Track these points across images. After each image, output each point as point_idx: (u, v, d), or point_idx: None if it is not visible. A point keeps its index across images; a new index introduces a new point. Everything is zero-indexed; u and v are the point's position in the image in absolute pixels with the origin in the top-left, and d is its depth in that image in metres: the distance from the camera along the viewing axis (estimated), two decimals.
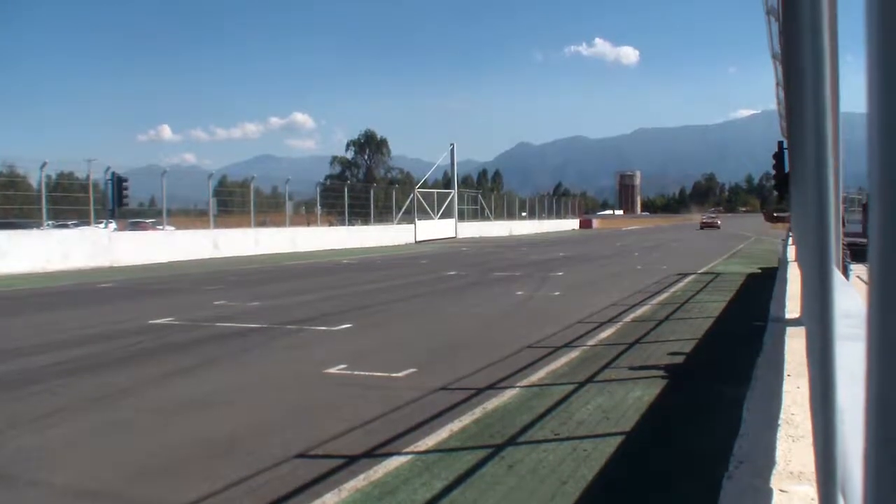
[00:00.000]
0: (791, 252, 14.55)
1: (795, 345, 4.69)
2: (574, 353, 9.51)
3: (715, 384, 7.69)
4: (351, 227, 45.08)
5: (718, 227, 74.51)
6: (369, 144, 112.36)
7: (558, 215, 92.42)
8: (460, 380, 8.03)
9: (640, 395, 7.16)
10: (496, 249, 39.99)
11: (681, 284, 18.87)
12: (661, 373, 8.23)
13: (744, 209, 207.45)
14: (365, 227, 46.86)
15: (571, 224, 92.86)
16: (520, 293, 17.18)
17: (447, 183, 70.57)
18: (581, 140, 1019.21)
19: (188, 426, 6.53)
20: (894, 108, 0.65)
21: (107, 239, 28.60)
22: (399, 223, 51.60)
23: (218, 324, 12.52)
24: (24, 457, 5.72)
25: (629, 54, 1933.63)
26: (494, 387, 7.66)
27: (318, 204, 44.61)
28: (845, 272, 9.97)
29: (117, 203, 29.24)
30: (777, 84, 14.37)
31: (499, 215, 74.19)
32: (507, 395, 7.27)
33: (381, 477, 5.00)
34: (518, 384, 7.78)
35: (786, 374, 4.07)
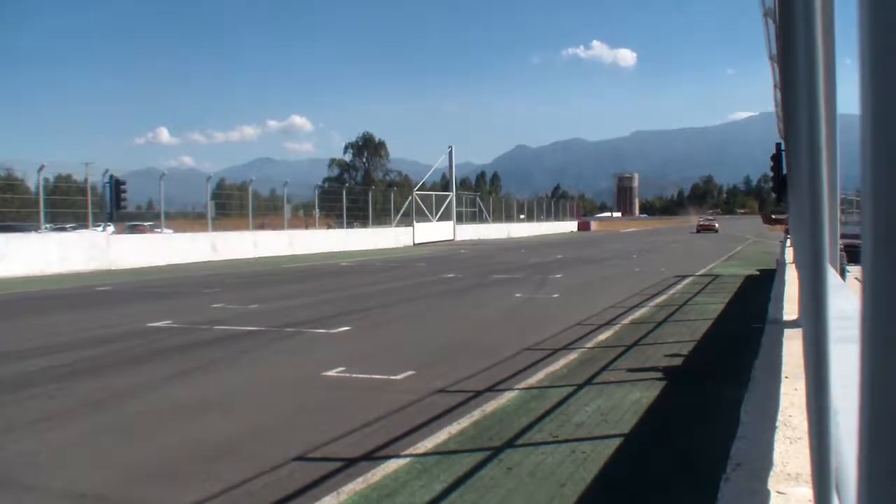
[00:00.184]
0: (789, 254, 14.57)
1: (793, 347, 4.70)
2: (573, 355, 9.51)
3: (713, 386, 7.69)
4: (349, 230, 45.05)
5: (716, 231, 70.29)
6: (367, 147, 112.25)
7: (556, 217, 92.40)
8: (459, 382, 8.03)
9: (638, 397, 7.16)
10: (494, 252, 39.99)
11: (679, 286, 18.88)
12: (660, 375, 8.23)
13: (742, 211, 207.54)
14: (363, 230, 46.83)
15: (570, 226, 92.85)
16: (518, 295, 17.18)
17: (445, 185, 70.55)
18: (579, 142, 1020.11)
19: (186, 429, 6.53)
20: (886, 109, 0.65)
21: (105, 242, 28.57)
22: (397, 226, 51.58)
23: (216, 327, 12.51)
24: (22, 461, 5.71)
25: (627, 57, 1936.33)
26: (493, 389, 7.66)
27: (317, 207, 44.57)
28: (843, 274, 9.97)
29: (115, 206, 29.18)
30: (775, 86, 14.38)
31: (497, 218, 74.18)
32: (506, 398, 7.27)
33: (380, 480, 4.99)
34: (517, 386, 7.78)
35: (783, 376, 4.08)
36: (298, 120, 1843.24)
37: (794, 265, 10.79)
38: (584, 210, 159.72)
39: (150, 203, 43.57)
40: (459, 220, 61.97)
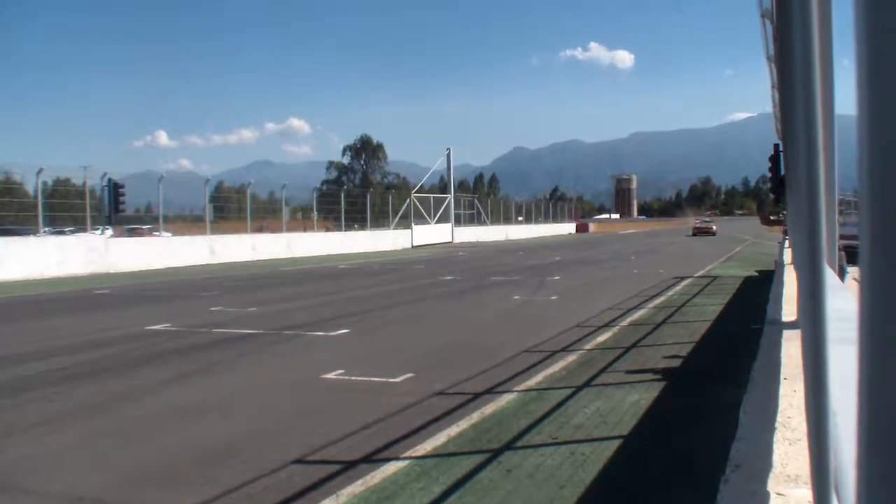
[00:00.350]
0: (788, 255, 14.58)
1: (792, 348, 4.70)
2: (571, 357, 9.51)
3: (712, 387, 7.69)
4: (347, 233, 45.06)
5: (714, 234, 66.18)
6: (365, 149, 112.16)
7: (555, 219, 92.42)
8: (458, 384, 8.02)
9: (637, 399, 7.16)
10: (493, 254, 40.00)
11: (678, 288, 18.89)
12: (659, 376, 8.23)
13: (740, 212, 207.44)
14: (361, 233, 46.85)
15: (568, 228, 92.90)
16: (517, 297, 17.18)
17: (444, 187, 70.62)
18: (577, 144, 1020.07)
19: (185, 432, 6.52)
20: (883, 109, 0.65)
21: (103, 245, 28.56)
22: (395, 228, 51.61)
23: (215, 330, 12.49)
24: (21, 464, 5.70)
25: (624, 58, 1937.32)
26: (492, 391, 7.66)
27: (315, 209, 44.55)
28: (842, 275, 9.98)
29: (114, 209, 29.18)
30: (772, 86, 14.40)
31: (495, 220, 74.23)
32: (505, 400, 7.27)
33: (379, 482, 4.99)
34: (515, 388, 7.78)
35: (782, 377, 4.08)
36: (296, 122, 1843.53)
37: (792, 266, 10.79)
38: (583, 212, 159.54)
39: (149, 206, 43.55)
40: (458, 222, 61.99)
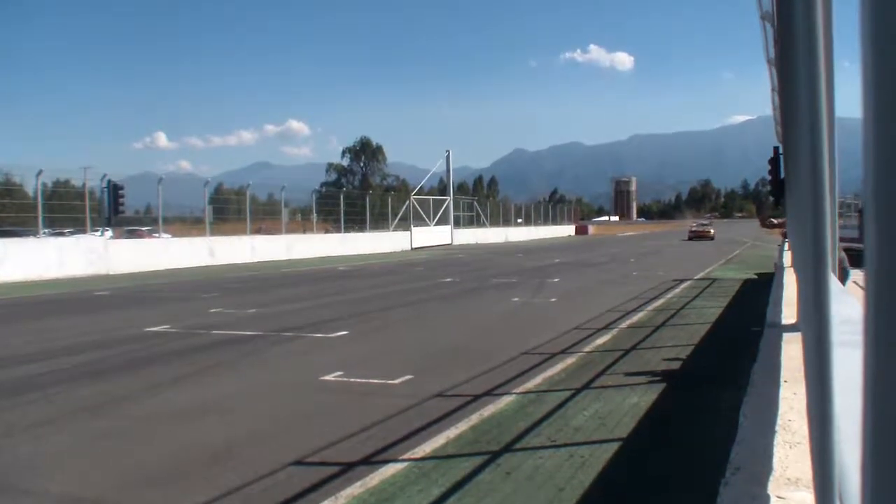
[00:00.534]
0: (787, 257, 14.58)
1: (792, 351, 4.70)
2: (570, 360, 9.51)
3: (712, 390, 7.69)
4: (347, 235, 45.02)
5: (712, 238, 59.62)
6: (365, 151, 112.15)
7: (554, 222, 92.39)
8: (457, 386, 8.02)
9: (636, 402, 7.16)
10: (492, 256, 40.00)
11: (677, 290, 18.89)
12: (658, 379, 8.23)
13: (740, 214, 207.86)
14: (361, 235, 46.83)
15: (567, 230, 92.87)
16: (516, 299, 17.18)
17: (443, 189, 70.58)
18: (577, 146, 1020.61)
19: (184, 434, 6.51)
20: (888, 111, 0.65)
21: (103, 247, 28.55)
22: (395, 230, 51.59)
23: (214, 331, 12.49)
24: (21, 465, 5.70)
25: (624, 60, 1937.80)
26: (491, 393, 7.66)
27: (314, 211, 44.51)
28: (843, 278, 9.99)
29: (113, 211, 29.15)
30: (773, 89, 14.40)
31: (495, 222, 74.20)
32: (504, 402, 7.26)
33: (378, 484, 4.98)
34: (514, 391, 7.78)
35: (783, 380, 4.07)
36: (296, 124, 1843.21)
37: (792, 269, 10.79)
38: (582, 214, 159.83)
39: (149, 208, 43.57)
40: (457, 224, 61.98)
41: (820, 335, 1.29)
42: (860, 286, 10.49)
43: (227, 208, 39.94)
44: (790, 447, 2.92)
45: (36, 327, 13.68)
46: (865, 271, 0.70)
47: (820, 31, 1.42)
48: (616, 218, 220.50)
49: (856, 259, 13.46)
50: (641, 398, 7.29)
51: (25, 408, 7.47)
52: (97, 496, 5.03)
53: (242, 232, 36.31)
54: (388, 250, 46.74)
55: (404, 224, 52.78)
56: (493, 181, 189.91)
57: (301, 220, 48.10)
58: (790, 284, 9.21)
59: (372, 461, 5.53)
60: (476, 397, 7.47)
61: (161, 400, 7.77)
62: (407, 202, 55.15)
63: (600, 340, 11.06)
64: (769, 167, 18.37)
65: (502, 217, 78.67)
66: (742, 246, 45.86)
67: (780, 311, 7.59)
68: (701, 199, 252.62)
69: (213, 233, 34.80)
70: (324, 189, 64.52)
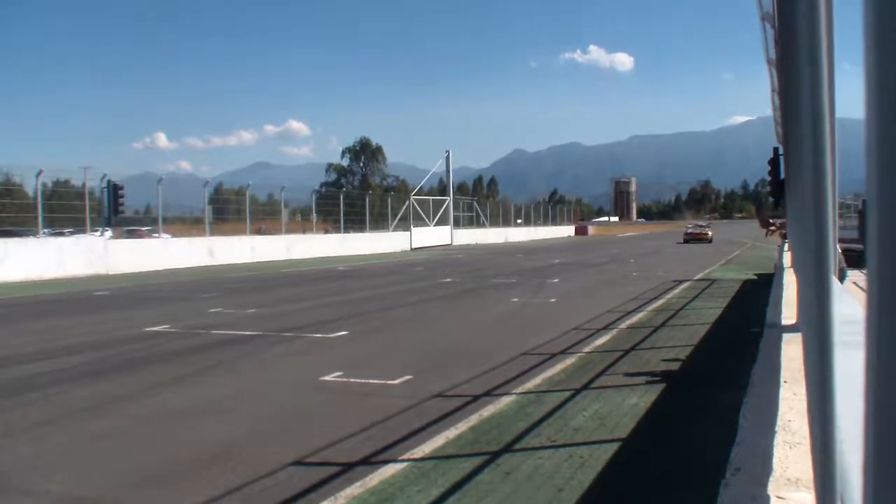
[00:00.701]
0: (787, 258, 14.58)
1: (792, 351, 4.70)
2: (570, 360, 9.50)
3: (711, 390, 7.69)
4: (346, 235, 45.01)
5: (709, 240, 54.02)
6: (364, 152, 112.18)
7: (554, 222, 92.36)
8: (456, 387, 8.02)
9: (636, 402, 7.16)
10: (492, 256, 40.00)
11: (677, 291, 18.88)
12: (658, 379, 8.23)
13: (739, 215, 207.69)
14: (360, 235, 46.81)
15: (567, 231, 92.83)
16: (516, 300, 17.18)
17: (443, 190, 70.56)
18: (576, 146, 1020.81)
19: (184, 434, 6.51)
20: (891, 112, 0.65)
21: (103, 247, 28.54)
22: (395, 230, 51.57)
23: (214, 331, 12.49)
24: (21, 465, 5.70)
25: (624, 61, 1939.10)
26: (490, 394, 7.66)
27: (314, 211, 44.50)
28: (841, 277, 9.98)
29: (113, 211, 29.15)
30: (773, 90, 14.38)
31: (494, 222, 74.17)
32: (504, 402, 7.26)
33: (378, 484, 4.98)
34: (514, 391, 7.78)
35: (782, 380, 4.07)
36: (296, 125, 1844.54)
37: (792, 269, 10.79)
38: (582, 214, 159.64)
39: (148, 208, 43.51)
40: (457, 224, 61.98)
41: (822, 336, 1.29)
42: (860, 287, 10.50)
43: (227, 208, 39.94)
44: (790, 448, 2.92)
45: (36, 327, 13.68)
46: (867, 272, 0.70)
47: (822, 32, 1.42)
48: (616, 218, 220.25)
49: (855, 260, 13.46)
50: (641, 399, 7.29)
51: (25, 408, 7.47)
52: (97, 496, 5.03)
53: (242, 232, 36.30)
54: (388, 250, 46.73)
55: (404, 224, 52.77)
56: (492, 181, 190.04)
57: (301, 221, 48.10)
58: (790, 285, 9.21)
59: (371, 461, 5.53)
60: (476, 398, 7.47)
61: (161, 400, 7.77)
62: (407, 202, 55.14)
63: (600, 341, 11.06)
64: (769, 168, 18.35)
65: (502, 217, 78.62)
66: (742, 247, 45.84)
67: (779, 312, 7.59)
68: (701, 200, 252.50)
69: (213, 233, 34.80)
70: (324, 189, 64.49)
